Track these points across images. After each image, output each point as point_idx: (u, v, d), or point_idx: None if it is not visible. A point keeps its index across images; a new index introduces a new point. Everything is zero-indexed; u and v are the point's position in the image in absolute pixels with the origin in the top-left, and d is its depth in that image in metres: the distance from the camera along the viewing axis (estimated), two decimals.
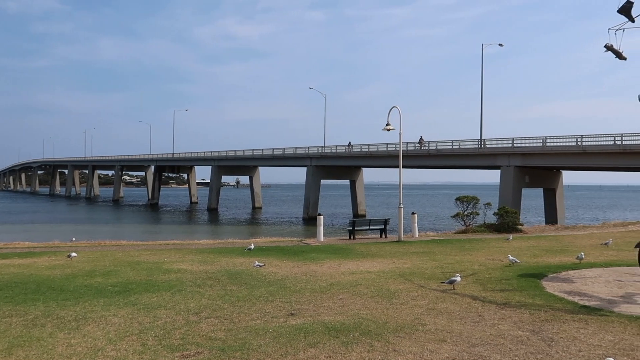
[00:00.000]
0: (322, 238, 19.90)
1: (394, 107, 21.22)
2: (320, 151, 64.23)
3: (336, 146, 62.97)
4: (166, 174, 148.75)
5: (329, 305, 8.45)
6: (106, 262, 13.65)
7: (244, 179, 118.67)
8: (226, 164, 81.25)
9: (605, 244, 17.04)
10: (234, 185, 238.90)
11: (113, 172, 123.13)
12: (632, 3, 10.40)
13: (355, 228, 21.09)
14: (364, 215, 63.14)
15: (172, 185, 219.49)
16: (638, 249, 10.68)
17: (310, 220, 53.30)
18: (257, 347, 6.20)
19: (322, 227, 20.13)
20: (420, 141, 52.42)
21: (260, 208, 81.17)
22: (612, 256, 14.26)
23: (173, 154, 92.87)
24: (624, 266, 12.23)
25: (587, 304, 8.37)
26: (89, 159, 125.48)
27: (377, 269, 12.48)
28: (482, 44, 54.01)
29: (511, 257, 12.74)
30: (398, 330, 6.93)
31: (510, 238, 19.49)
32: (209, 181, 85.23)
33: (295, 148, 68.16)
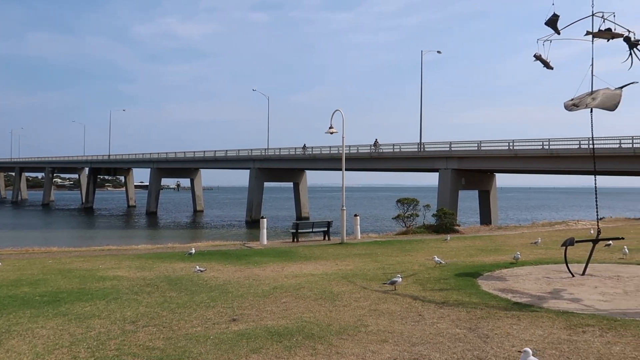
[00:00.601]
0: (265, 241, 19.74)
1: (337, 110, 21.43)
2: (263, 153, 63.81)
3: (280, 149, 62.78)
4: (102, 177, 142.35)
5: (272, 309, 8.37)
6: (34, 270, 12.83)
7: (185, 182, 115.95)
8: (166, 166, 78.98)
9: (535, 243, 18.01)
10: (174, 188, 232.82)
11: (43, 174, 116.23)
12: (558, 16, 11.07)
13: (299, 231, 21.08)
14: (308, 218, 63.30)
15: (109, 188, 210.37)
16: (564, 247, 11.38)
17: (253, 224, 52.79)
18: (198, 355, 6.03)
19: (265, 230, 19.97)
20: (375, 144, 52.88)
21: (202, 211, 79.47)
22: (541, 254, 15.08)
23: (109, 155, 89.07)
24: (551, 264, 12.95)
25: (519, 300, 8.78)
26: (15, 160, 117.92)
27: (321, 271, 12.52)
28: (422, 51, 55.72)
29: (437, 258, 12.95)
30: (341, 332, 6.96)
31: (448, 238, 20.17)
32: (148, 184, 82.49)
33: (239, 150, 67.35)
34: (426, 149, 50.29)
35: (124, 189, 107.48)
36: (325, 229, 21.86)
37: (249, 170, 65.44)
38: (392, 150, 52.70)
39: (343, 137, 21.48)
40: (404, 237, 22.58)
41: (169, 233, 47.04)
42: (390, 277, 10.81)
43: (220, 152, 70.14)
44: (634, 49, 10.40)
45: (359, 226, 22.42)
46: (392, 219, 28.24)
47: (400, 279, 10.10)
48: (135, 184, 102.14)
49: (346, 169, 22.55)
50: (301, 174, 68.22)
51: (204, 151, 72.04)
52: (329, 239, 21.49)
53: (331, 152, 55.99)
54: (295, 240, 20.69)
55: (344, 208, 21.06)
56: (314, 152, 58.59)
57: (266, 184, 66.88)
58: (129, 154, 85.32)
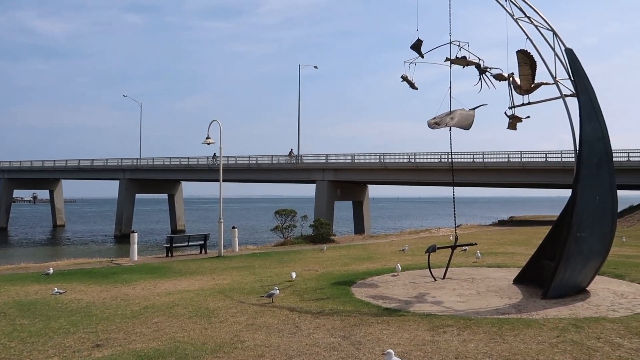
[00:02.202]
0: (136, 257, 18.53)
1: (214, 120, 21.00)
2: (135, 163, 60.21)
3: (153, 158, 59.77)
4: None
5: (142, 331, 7.85)
6: None
7: (43, 194, 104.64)
8: (20, 177, 70.62)
9: (403, 250, 19.29)
10: (29, 201, 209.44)
11: None
12: (422, 41, 12.08)
13: (173, 245, 20.14)
14: (183, 231, 60.91)
15: None
16: (427, 254, 12.34)
17: (123, 238, 49.31)
18: None
19: (135, 245, 18.75)
20: (290, 154, 52.02)
21: (63, 226, 72.28)
22: (408, 261, 16.17)
23: None
24: (417, 269, 13.95)
25: (388, 306, 9.30)
26: None
27: (196, 287, 12.07)
28: (299, 65, 57.18)
29: (294, 274, 12.81)
30: (217, 350, 6.75)
31: (325, 248, 20.77)
32: None
33: (107, 159, 62.75)
34: (304, 161, 51.46)
35: None
36: (202, 242, 21.19)
37: (118, 181, 61.24)
38: (270, 161, 53.06)
39: (221, 147, 21.11)
40: (282, 249, 22.74)
41: (21, 251, 41.93)
42: (268, 289, 10.79)
43: (85, 161, 64.73)
44: (483, 74, 11.72)
45: (237, 238, 22.10)
46: (271, 230, 28.33)
47: (278, 291, 10.13)
48: None
49: (224, 180, 22.15)
50: (177, 185, 65.55)
51: (66, 160, 65.90)
52: (205, 253, 20.85)
53: (209, 162, 54.68)
54: (169, 255, 19.73)
55: (222, 220, 20.63)
56: (190, 163, 56.75)
57: (138, 196, 63.08)
58: None
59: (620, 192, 13.19)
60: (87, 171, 65.19)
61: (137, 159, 61.08)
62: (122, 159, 61.37)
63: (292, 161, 51.03)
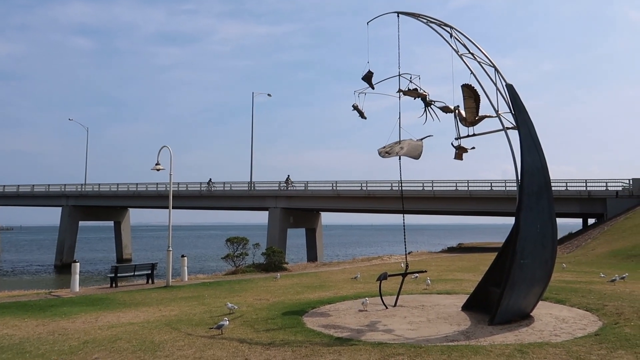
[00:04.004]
0: (77, 288, 17.60)
1: (164, 146, 20.58)
2: (79, 189, 57.90)
3: (99, 184, 57.72)
4: None
5: None
6: None
7: None
8: None
9: (355, 278, 19.32)
10: None
11: None
12: (372, 73, 12.44)
13: (118, 274, 19.29)
14: (130, 260, 58.60)
15: None
16: (379, 281, 12.42)
17: (64, 268, 46.80)
18: None
19: (77, 276, 17.83)
20: (287, 181, 50.66)
21: None
22: (360, 288, 16.19)
23: None
24: (369, 297, 13.96)
25: (340, 335, 9.23)
26: None
27: (142, 319, 11.57)
28: (253, 92, 57.40)
29: (229, 305, 11.99)
30: None
31: (279, 277, 20.50)
32: None
33: (49, 185, 60.03)
34: (256, 188, 51.12)
35: None
36: (149, 271, 20.43)
37: (61, 208, 58.55)
38: (222, 188, 52.39)
39: (171, 174, 20.64)
40: (233, 277, 22.25)
41: None
42: (217, 320, 10.48)
43: (25, 186, 61.66)
44: (429, 107, 12.16)
45: (186, 267, 21.46)
46: (221, 258, 27.70)
47: (227, 322, 9.86)
48: None
49: (175, 207, 21.59)
50: (123, 212, 63.32)
51: (4, 186, 62.54)
52: (152, 283, 20.09)
53: (158, 189, 53.39)
54: (113, 285, 18.86)
55: (170, 249, 20.01)
56: (138, 189, 55.19)
57: (82, 223, 60.43)
58: None
59: (559, 220, 13.84)
60: (27, 197, 62.03)
61: (82, 184, 58.80)
62: (65, 185, 58.93)
63: (289, 188, 49.53)
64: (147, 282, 20.18)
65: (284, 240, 47.55)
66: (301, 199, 48.80)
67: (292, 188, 48.93)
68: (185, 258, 21.88)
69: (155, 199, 54.21)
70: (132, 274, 20.36)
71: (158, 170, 20.28)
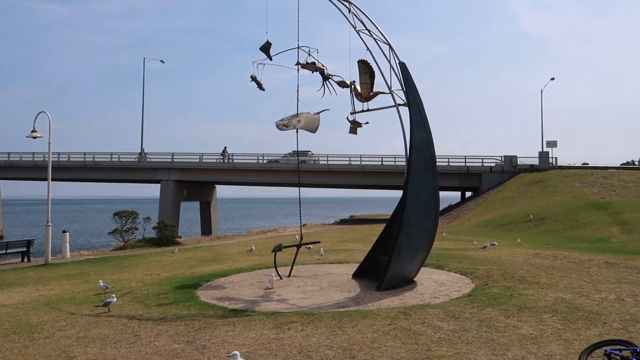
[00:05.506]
0: None
1: (42, 112, 18.70)
2: None
3: None
4: None
5: None
6: None
7: None
8: None
9: (250, 250, 19.36)
10: None
11: None
12: (270, 44, 12.27)
13: None
14: (1, 237, 53.10)
15: None
16: (274, 253, 12.57)
17: None
18: None
19: None
20: (224, 153, 46.93)
21: None
22: (255, 261, 16.27)
23: None
24: (264, 269, 14.10)
25: (234, 307, 9.24)
26: None
27: (16, 300, 10.60)
28: (144, 58, 54.06)
29: (102, 283, 11.03)
30: None
31: (176, 251, 19.91)
32: None
33: None
34: (148, 159, 48.68)
35: None
36: (24, 249, 18.72)
37: None
38: (110, 159, 49.15)
39: (50, 142, 18.86)
40: (121, 253, 21.17)
41: None
42: (104, 298, 9.94)
43: None
44: (327, 81, 12.34)
45: (67, 244, 19.93)
46: (109, 233, 26.19)
47: (115, 299, 9.38)
48: None
49: (55, 179, 19.78)
50: None
51: None
52: (29, 261, 18.46)
53: (35, 159, 48.67)
54: None
55: (50, 224, 18.44)
56: (11, 159, 49.87)
57: None
58: None
59: (441, 193, 14.95)
60: None
61: None
62: None
63: (226, 160, 47.00)
64: (23, 260, 18.53)
65: (177, 214, 46.08)
66: (196, 172, 47.41)
67: (228, 161, 47.17)
68: (67, 234, 20.31)
69: (31, 169, 49.35)
70: (4, 251, 18.51)
71: (34, 137, 18.45)
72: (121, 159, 48.92)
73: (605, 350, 5.86)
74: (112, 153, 49.38)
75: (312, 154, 47.09)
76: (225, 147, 48.06)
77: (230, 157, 47.52)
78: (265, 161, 46.75)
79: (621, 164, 50.42)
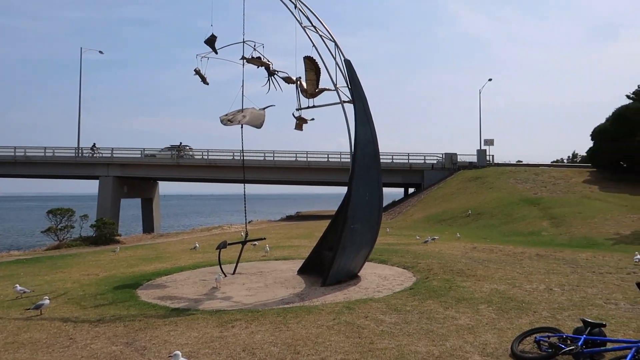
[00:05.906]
0: None
1: None
2: None
3: None
4: None
5: None
6: None
7: None
8: None
9: (194, 248, 18.96)
10: None
11: None
12: (216, 37, 12.03)
13: None
14: None
15: None
16: (218, 250, 12.37)
17: None
18: None
19: None
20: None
21: None
22: (199, 258, 15.95)
23: None
24: (208, 266, 13.86)
25: (177, 306, 9.02)
26: None
27: None
28: (81, 48, 51.70)
29: (19, 288, 10.35)
30: None
31: (118, 249, 19.20)
32: None
33: None
34: (85, 155, 46.58)
35: None
36: None
37: None
38: (43, 154, 46.59)
39: None
40: (56, 252, 20.16)
41: None
42: (35, 300, 9.42)
43: None
44: (272, 77, 12.26)
45: None
46: (42, 232, 24.86)
47: (48, 301, 8.91)
48: None
49: None
50: None
51: None
52: None
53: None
54: None
55: None
56: None
57: None
58: None
59: (385, 190, 15.25)
60: None
61: None
62: None
63: (182, 155, 46.65)
64: None
65: (116, 212, 44.38)
66: (137, 167, 45.83)
67: (186, 156, 46.44)
68: None
69: None
70: None
71: None
72: (56, 154, 46.48)
73: (535, 337, 6.21)
74: (45, 148, 46.81)
75: (191, 148, 47.92)
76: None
77: (183, 150, 47.33)
78: (209, 157, 45.89)
79: (552, 162, 53.47)
